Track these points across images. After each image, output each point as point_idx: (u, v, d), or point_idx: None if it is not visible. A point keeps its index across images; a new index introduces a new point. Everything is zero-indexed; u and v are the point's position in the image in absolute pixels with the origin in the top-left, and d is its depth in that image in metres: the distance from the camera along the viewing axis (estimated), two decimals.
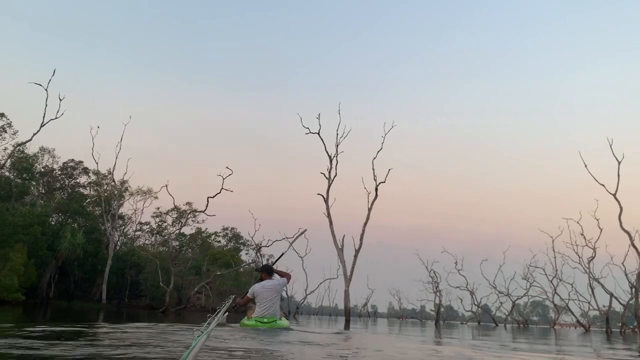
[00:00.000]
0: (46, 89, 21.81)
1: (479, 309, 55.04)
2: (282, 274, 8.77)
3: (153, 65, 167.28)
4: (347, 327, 18.24)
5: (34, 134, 22.04)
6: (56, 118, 22.34)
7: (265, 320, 7.93)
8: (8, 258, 28.52)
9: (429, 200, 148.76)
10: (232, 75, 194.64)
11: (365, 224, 21.79)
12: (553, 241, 39.44)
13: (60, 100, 22.33)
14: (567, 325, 70.41)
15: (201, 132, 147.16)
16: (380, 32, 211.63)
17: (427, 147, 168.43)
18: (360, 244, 21.55)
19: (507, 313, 60.09)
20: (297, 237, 12.61)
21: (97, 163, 35.19)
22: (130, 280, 47.76)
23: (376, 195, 22.21)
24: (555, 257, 40.75)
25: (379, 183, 22.21)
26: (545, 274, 43.74)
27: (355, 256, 21.42)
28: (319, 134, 23.71)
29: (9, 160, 42.12)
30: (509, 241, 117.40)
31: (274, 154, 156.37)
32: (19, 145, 30.28)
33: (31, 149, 45.77)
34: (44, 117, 21.90)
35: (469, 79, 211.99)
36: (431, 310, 76.12)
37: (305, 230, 12.77)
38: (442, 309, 59.70)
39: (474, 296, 52.36)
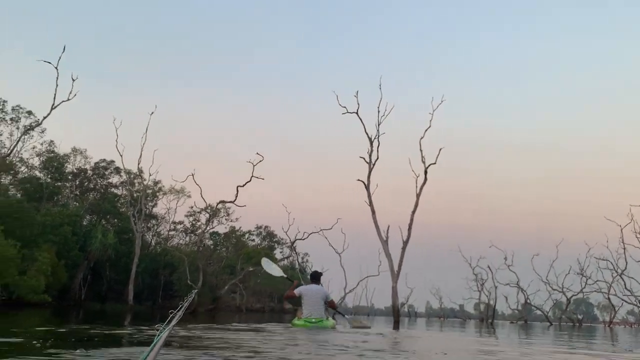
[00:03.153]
0: (56, 67, 20.30)
1: (529, 305, 51.48)
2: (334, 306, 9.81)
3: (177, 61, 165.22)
4: (396, 327, 16.10)
5: (44, 117, 20.66)
6: (68, 100, 20.84)
7: (313, 320, 8.73)
8: (35, 258, 27.33)
9: (470, 193, 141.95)
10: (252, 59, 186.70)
11: (414, 211, 19.30)
12: (622, 230, 36.12)
13: (74, 80, 20.81)
14: (620, 323, 66.00)
15: (224, 125, 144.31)
16: None
17: (469, 133, 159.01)
18: (409, 234, 19.09)
19: (558, 311, 56.53)
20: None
21: (121, 155, 34.01)
22: (164, 281, 46.71)
23: (425, 178, 19.61)
24: (625, 249, 37.30)
25: (429, 165, 19.69)
26: (614, 269, 40.12)
27: (403, 248, 18.97)
28: (357, 113, 21.46)
29: (38, 159, 41.62)
30: (562, 234, 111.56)
31: (305, 142, 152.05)
32: (29, 129, 29.01)
33: (62, 148, 45.26)
34: (54, 98, 20.41)
35: (536, 57, 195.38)
36: (474, 309, 72.92)
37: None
38: (488, 307, 56.62)
39: (524, 293, 48.82)
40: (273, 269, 11.53)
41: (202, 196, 27.60)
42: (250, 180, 25.12)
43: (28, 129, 29.42)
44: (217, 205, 27.37)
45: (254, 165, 24.79)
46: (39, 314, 16.53)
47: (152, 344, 1.82)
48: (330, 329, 8.78)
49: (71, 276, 37.35)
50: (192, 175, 27.58)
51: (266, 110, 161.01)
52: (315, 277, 9.68)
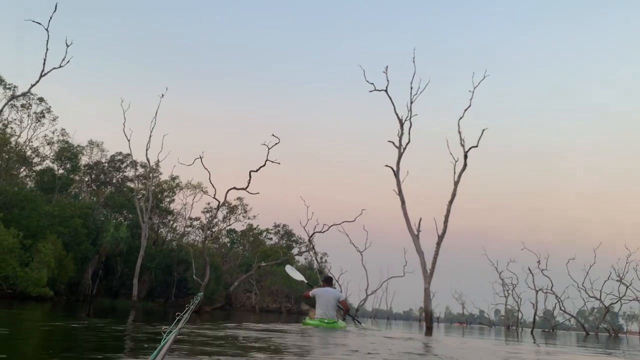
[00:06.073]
0: (47, 29, 18.29)
1: (562, 312, 48.15)
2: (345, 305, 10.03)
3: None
4: (428, 334, 13.92)
5: (32, 85, 18.68)
6: (60, 67, 18.87)
7: (326, 321, 9.02)
8: (38, 250, 25.75)
9: (500, 194, 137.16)
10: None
11: (451, 201, 16.86)
12: None
13: (68, 45, 18.79)
14: None
15: (238, 115, 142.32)
16: None
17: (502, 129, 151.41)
18: (445, 227, 16.61)
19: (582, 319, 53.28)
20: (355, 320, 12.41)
21: (128, 140, 32.28)
22: (177, 278, 45.10)
23: (465, 164, 17.12)
24: None
25: (469, 148, 17.18)
26: None
27: (438, 244, 16.53)
28: (386, 90, 19.19)
29: (49, 148, 40.33)
30: (600, 237, 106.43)
31: (326, 133, 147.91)
32: (14, 97, 27.15)
33: (75, 139, 43.97)
34: (44, 64, 18.41)
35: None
36: (501, 316, 69.84)
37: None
38: (517, 314, 53.76)
39: (558, 300, 45.55)
40: (296, 274, 12.13)
41: (210, 180, 25.57)
42: (265, 164, 22.92)
43: (14, 97, 27.53)
44: (227, 192, 25.20)
45: (269, 149, 22.64)
46: (38, 308, 14.70)
47: (159, 347, 1.79)
48: (341, 330, 8.94)
49: (81, 270, 35.89)
50: (200, 157, 25.59)
51: (279, 98, 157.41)
52: (328, 281, 10.03)
